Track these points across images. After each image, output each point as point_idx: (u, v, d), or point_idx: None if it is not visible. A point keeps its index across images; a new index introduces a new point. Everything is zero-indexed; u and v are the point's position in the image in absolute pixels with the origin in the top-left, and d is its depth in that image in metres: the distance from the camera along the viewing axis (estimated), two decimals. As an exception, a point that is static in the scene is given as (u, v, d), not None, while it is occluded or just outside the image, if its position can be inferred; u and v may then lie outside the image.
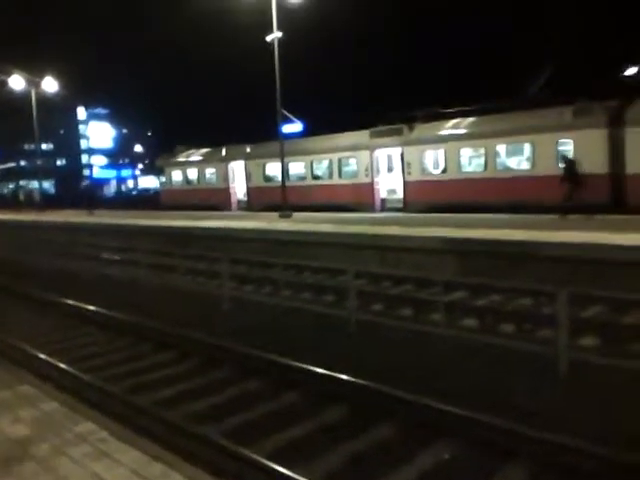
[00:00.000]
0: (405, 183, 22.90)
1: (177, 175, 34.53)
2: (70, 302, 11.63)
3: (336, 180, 25.27)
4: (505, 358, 7.39)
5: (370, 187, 23.92)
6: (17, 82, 36.05)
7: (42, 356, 8.05)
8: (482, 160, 20.62)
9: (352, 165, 24.84)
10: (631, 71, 38.25)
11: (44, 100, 38.52)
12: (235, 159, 30.32)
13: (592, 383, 6.46)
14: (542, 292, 9.01)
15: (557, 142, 18.63)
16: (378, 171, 24.03)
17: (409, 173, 22.62)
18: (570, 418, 5.56)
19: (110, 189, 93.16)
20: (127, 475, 3.71)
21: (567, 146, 18.45)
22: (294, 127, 25.85)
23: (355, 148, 24.37)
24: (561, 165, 16.77)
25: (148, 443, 4.39)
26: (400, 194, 23.37)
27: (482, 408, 5.47)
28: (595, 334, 7.85)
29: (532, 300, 9.52)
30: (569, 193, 15.70)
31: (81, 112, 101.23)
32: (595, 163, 17.62)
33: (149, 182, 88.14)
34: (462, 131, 21.38)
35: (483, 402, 5.81)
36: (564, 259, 10.48)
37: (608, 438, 4.93)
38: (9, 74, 35.86)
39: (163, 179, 36.21)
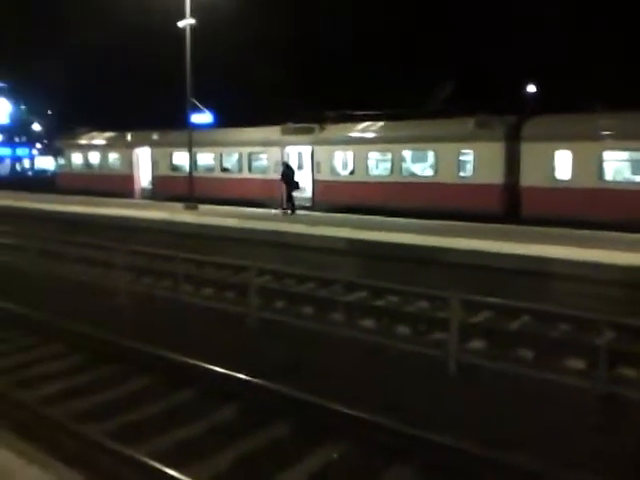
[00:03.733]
0: (314, 182, 23.05)
1: (77, 158, 32.84)
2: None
3: (245, 174, 25.00)
4: (400, 358, 7.60)
5: (279, 183, 23.85)
6: None
7: None
8: (389, 164, 21.14)
9: (262, 160, 24.67)
10: (531, 89, 40.70)
11: None
12: (141, 145, 29.24)
13: (477, 384, 6.77)
14: (437, 297, 9.31)
15: (459, 151, 19.44)
16: (288, 168, 23.95)
17: (318, 172, 22.79)
18: (454, 417, 5.79)
19: (5, 168, 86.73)
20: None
21: (468, 156, 19.32)
22: (204, 117, 25.26)
23: (266, 143, 24.22)
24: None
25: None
26: (309, 192, 23.49)
27: (371, 408, 5.58)
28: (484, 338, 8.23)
29: (428, 303, 9.84)
30: (288, 194, 19.55)
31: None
32: (491, 174, 18.59)
33: (47, 163, 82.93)
34: (371, 135, 21.81)
35: (373, 402, 5.93)
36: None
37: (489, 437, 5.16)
38: None
39: (61, 161, 34.26)
